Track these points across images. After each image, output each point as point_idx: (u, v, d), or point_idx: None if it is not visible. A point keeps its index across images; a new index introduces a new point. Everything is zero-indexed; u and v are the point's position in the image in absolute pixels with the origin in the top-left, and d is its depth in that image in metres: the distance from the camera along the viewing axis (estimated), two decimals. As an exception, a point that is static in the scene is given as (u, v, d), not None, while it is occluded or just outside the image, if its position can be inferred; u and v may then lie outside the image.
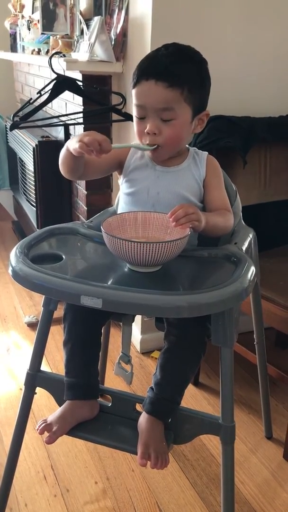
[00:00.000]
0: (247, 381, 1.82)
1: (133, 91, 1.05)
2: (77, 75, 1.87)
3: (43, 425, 1.05)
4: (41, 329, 1.10)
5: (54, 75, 1.79)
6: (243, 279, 0.91)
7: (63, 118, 2.03)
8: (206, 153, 1.17)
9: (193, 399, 1.72)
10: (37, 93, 1.89)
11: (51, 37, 2.14)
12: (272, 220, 1.81)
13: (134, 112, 1.07)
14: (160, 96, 1.02)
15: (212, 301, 0.85)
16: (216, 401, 1.69)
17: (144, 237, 1.03)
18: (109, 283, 0.92)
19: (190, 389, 1.76)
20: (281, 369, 1.52)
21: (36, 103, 1.88)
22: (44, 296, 1.06)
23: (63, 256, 1.01)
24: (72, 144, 0.99)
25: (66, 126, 2.13)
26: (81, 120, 1.94)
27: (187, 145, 1.17)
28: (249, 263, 0.97)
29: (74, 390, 1.08)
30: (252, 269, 0.95)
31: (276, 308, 1.43)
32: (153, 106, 1.03)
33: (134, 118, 1.08)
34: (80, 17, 1.93)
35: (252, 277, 0.93)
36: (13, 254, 0.97)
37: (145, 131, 1.05)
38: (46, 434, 1.05)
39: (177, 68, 1.02)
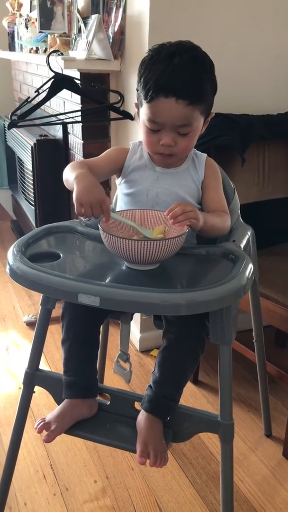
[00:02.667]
0: (246, 379, 1.82)
1: (148, 105, 1.01)
2: (75, 74, 1.87)
3: (41, 423, 1.05)
4: (39, 328, 1.10)
5: (52, 74, 1.79)
6: (241, 277, 0.90)
7: (61, 117, 2.03)
8: (205, 155, 1.17)
9: (192, 397, 1.72)
10: (35, 92, 1.89)
11: (49, 35, 2.14)
12: (270, 218, 1.81)
13: (146, 123, 1.04)
14: (180, 114, 1.00)
15: (210, 299, 0.85)
16: (215, 399, 1.69)
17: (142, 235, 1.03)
18: (106, 281, 0.92)
19: (189, 387, 1.76)
20: (280, 367, 1.51)
21: (34, 102, 1.88)
22: (42, 294, 1.06)
23: (61, 255, 1.01)
24: (74, 188, 0.98)
25: (64, 125, 2.12)
26: (79, 119, 1.94)
27: None
28: (247, 261, 0.96)
29: (72, 388, 1.08)
30: (250, 266, 0.95)
31: (275, 306, 1.43)
32: (172, 123, 1.01)
33: (146, 129, 1.05)
34: (78, 15, 1.92)
35: (250, 275, 0.93)
36: (11, 252, 0.97)
37: (160, 143, 1.04)
38: (44, 432, 1.04)
39: (197, 83, 0.99)
